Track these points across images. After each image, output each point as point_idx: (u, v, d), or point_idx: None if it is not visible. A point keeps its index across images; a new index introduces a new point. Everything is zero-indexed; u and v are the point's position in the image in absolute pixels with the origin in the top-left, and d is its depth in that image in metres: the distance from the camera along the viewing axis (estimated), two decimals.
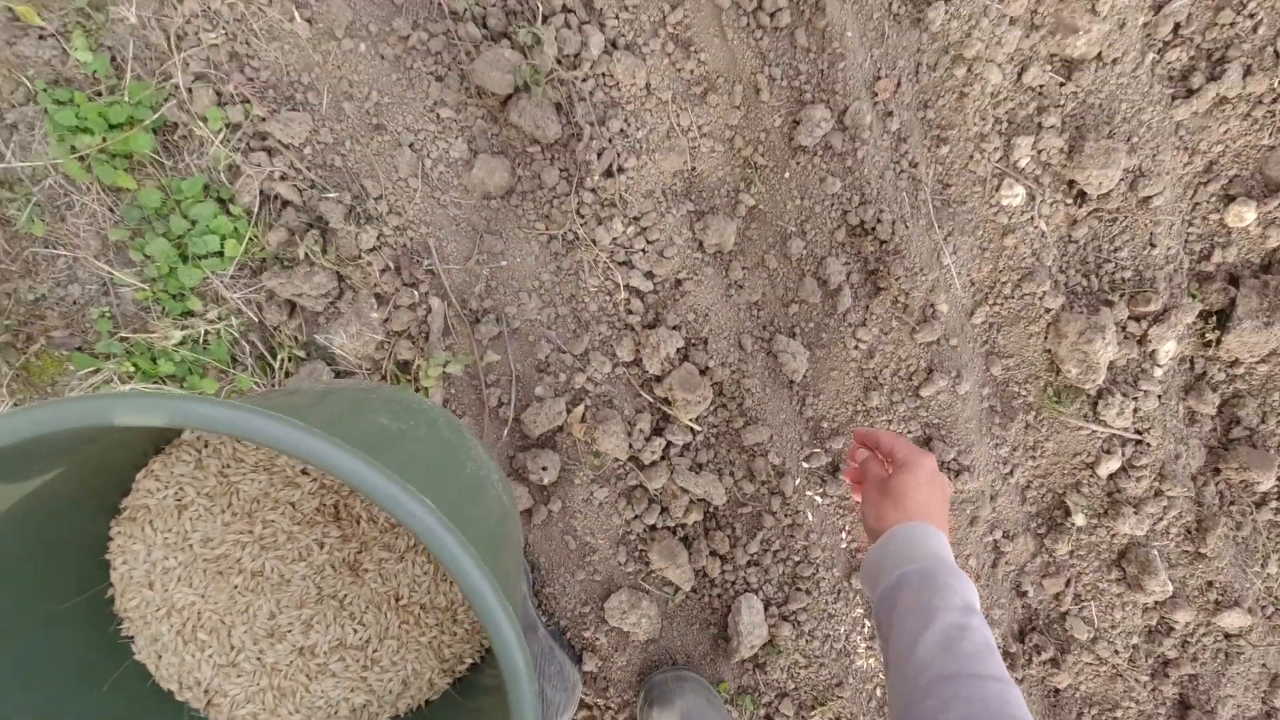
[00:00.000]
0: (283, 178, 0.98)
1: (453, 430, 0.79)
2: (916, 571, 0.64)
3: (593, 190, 0.99)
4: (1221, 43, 0.96)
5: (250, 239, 0.98)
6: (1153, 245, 1.01)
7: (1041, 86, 0.97)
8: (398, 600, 0.76)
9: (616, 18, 0.96)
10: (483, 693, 0.77)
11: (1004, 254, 1.01)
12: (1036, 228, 1.00)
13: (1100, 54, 0.95)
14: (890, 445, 0.78)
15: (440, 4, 0.96)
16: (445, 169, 1.00)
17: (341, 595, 0.75)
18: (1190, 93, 0.97)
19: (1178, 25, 0.96)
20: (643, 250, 1.01)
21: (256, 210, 0.98)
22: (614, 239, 1.01)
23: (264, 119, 0.96)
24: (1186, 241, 1.03)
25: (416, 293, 1.02)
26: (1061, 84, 0.97)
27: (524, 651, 0.52)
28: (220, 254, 0.98)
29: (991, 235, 1.01)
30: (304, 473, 0.75)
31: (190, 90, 0.94)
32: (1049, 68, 0.96)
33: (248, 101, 0.96)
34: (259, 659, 0.75)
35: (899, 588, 0.64)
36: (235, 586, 0.74)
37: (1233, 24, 0.94)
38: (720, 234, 1.01)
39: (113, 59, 0.92)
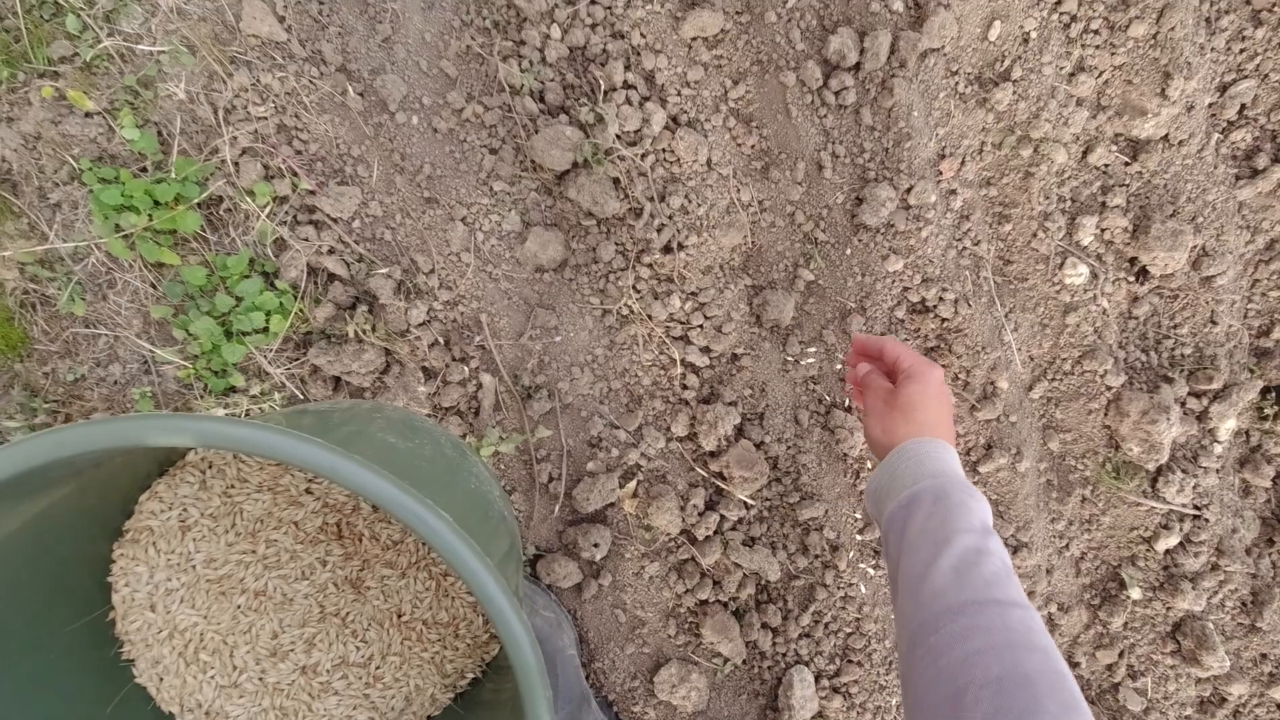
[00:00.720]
0: (330, 252, 0.95)
1: (455, 449, 0.80)
2: (929, 490, 0.59)
3: (650, 266, 0.97)
4: None
5: (296, 313, 0.95)
6: (1214, 322, 1.00)
7: (1107, 166, 0.96)
8: (400, 617, 0.77)
9: (679, 94, 0.94)
10: (483, 707, 0.78)
11: (1065, 331, 1.00)
12: (1099, 305, 0.99)
13: (1167, 135, 0.94)
14: (895, 353, 0.73)
15: (497, 78, 0.93)
16: (497, 242, 0.98)
17: (344, 613, 0.76)
18: (1255, 173, 0.96)
19: (1243, 106, 0.95)
20: (700, 326, 0.99)
21: (303, 285, 0.95)
22: (670, 314, 0.99)
23: (312, 192, 0.93)
24: (1246, 317, 1.02)
25: (467, 368, 0.99)
26: (1127, 164, 0.96)
27: (536, 652, 0.54)
28: (265, 330, 0.95)
29: (1053, 312, 1.00)
30: (308, 492, 0.76)
31: (237, 165, 0.91)
32: (1115, 148, 0.95)
33: (296, 175, 0.93)
34: (261, 679, 0.75)
35: (911, 507, 0.59)
36: (238, 606, 0.74)
37: None
38: (779, 310, 0.99)
39: (159, 135, 0.89)
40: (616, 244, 0.97)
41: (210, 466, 0.75)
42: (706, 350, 1.01)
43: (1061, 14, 0.91)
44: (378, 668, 0.77)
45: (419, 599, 0.78)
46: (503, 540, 0.73)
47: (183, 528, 0.74)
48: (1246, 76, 0.94)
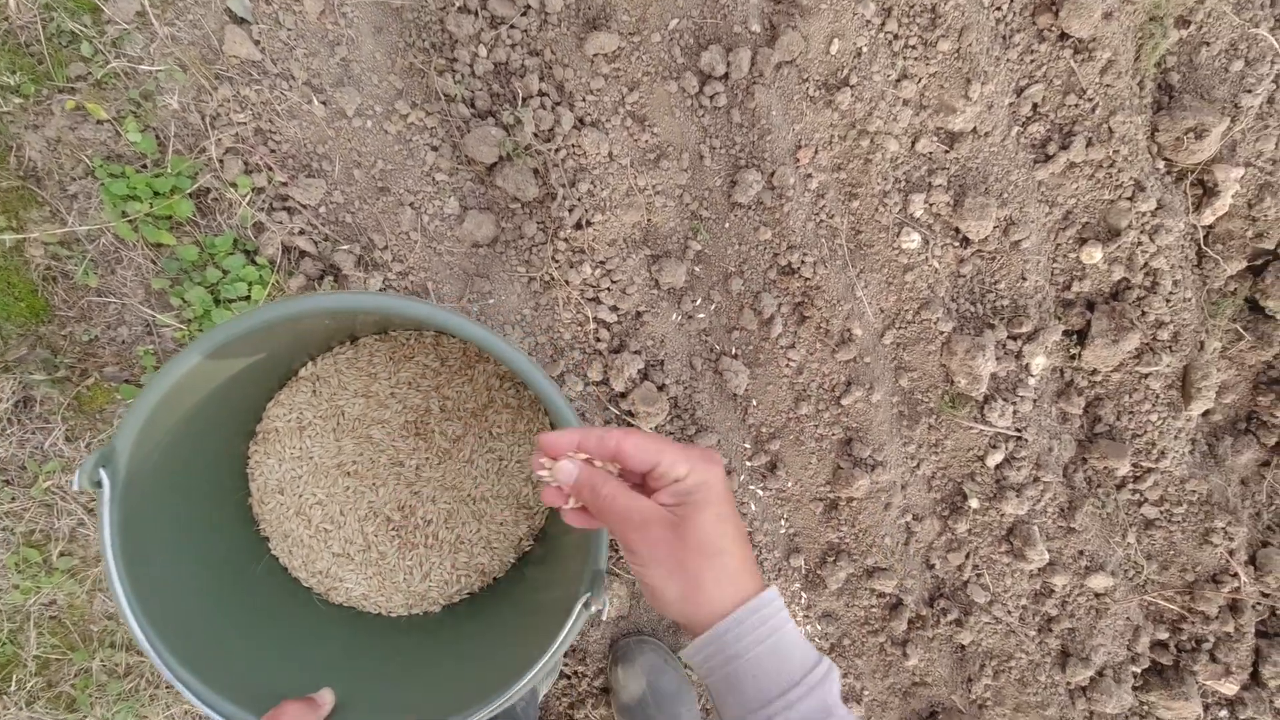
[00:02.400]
0: (301, 233, 1.16)
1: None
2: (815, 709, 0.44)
3: (565, 240, 1.19)
4: (1070, 119, 1.19)
5: (273, 284, 1.15)
6: (1024, 279, 1.24)
7: (930, 153, 1.20)
8: (469, 494, 0.97)
9: (584, 99, 1.16)
10: (532, 564, 0.99)
11: (905, 287, 1.24)
12: (931, 266, 1.22)
13: (975, 128, 1.18)
14: (644, 456, 0.49)
15: (436, 89, 1.15)
16: (440, 223, 1.19)
17: (426, 490, 0.95)
18: (1048, 158, 1.21)
19: (1035, 105, 1.20)
20: (608, 289, 1.21)
21: (278, 260, 1.15)
22: (584, 280, 1.21)
23: (285, 184, 1.14)
24: (1051, 275, 1.27)
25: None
26: (946, 151, 1.20)
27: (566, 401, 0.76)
28: (248, 298, 1.15)
29: (895, 272, 1.23)
30: (392, 395, 0.96)
31: (222, 162, 1.11)
32: (935, 138, 1.19)
33: (271, 170, 1.13)
34: (366, 545, 0.95)
35: None
36: (348, 488, 0.94)
37: (1076, 105, 1.18)
38: (673, 274, 1.21)
39: (158, 138, 1.09)
40: (538, 223, 1.19)
41: (318, 379, 0.96)
42: (615, 309, 1.23)
43: (886, 33, 1.15)
44: (457, 534, 0.96)
45: (483, 477, 0.97)
46: None
47: (299, 427, 0.94)
48: (1036, 81, 1.18)
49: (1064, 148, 1.19)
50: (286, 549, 0.95)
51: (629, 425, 1.26)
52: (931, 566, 1.35)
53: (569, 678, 1.34)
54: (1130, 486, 1.33)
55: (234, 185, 1.12)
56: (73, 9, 1.03)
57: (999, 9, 1.16)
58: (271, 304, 0.69)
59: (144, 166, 1.10)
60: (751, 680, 0.46)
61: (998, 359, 1.24)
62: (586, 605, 0.69)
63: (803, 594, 1.34)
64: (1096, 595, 1.36)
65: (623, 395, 1.24)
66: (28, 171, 1.06)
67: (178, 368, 0.68)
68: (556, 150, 1.16)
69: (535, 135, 1.15)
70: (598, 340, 1.23)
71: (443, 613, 0.98)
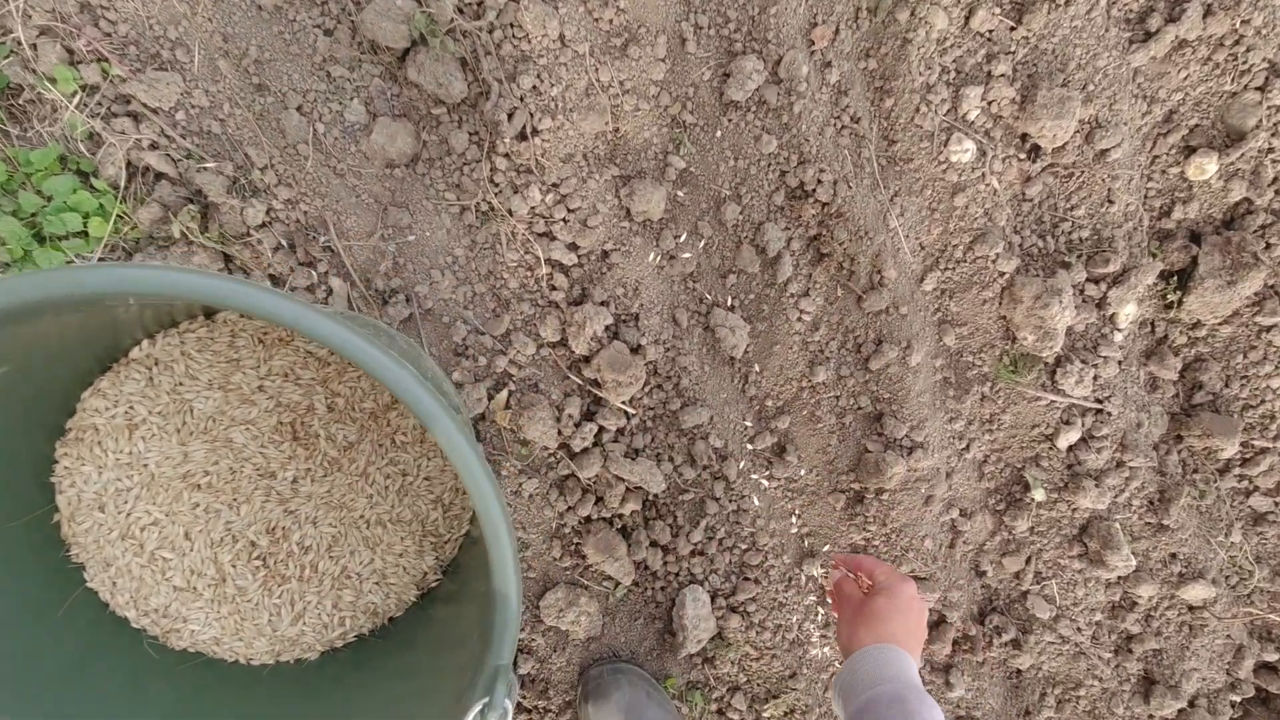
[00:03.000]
0: (153, 146, 0.87)
1: (408, 343, 0.84)
2: (887, 693, 0.65)
3: (506, 155, 0.90)
4: None
5: (119, 216, 0.87)
6: (1110, 202, 0.94)
7: (991, 32, 0.90)
8: (361, 516, 0.78)
9: None
10: (443, 601, 0.81)
11: (954, 215, 0.94)
12: (988, 186, 0.93)
13: None
14: (871, 569, 0.80)
15: None
16: (340, 134, 0.90)
17: (303, 509, 0.76)
18: (1148, 36, 0.90)
19: None
20: (564, 220, 0.92)
21: (124, 184, 0.87)
22: (532, 209, 0.92)
23: (125, 80, 0.85)
24: (1146, 197, 0.97)
25: (315, 272, 0.92)
26: (1012, 28, 0.89)
27: (499, 496, 0.55)
28: (85, 234, 0.87)
29: (941, 195, 0.94)
30: (260, 389, 0.76)
31: (35, 47, 0.82)
32: (998, 10, 0.89)
33: (105, 60, 0.84)
34: (219, 578, 0.75)
35: (870, 709, 0.65)
36: (196, 504, 0.74)
37: None
38: (648, 200, 0.92)
39: None
40: (470, 133, 0.90)
41: (157, 363, 0.74)
42: (573, 247, 0.94)
43: None
44: (343, 566, 0.78)
45: (381, 495, 0.78)
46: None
47: (129, 426, 0.73)
48: None
49: (1171, 20, 0.89)
50: (109, 580, 0.74)
51: (596, 399, 0.97)
52: (982, 574, 1.07)
53: (527, 712, 1.07)
54: (1237, 472, 1.04)
55: (52, 80, 0.83)
56: None
57: None
58: (54, 272, 0.46)
59: None
60: (864, 676, 0.68)
61: (1075, 308, 0.94)
62: (483, 714, 0.54)
63: (819, 609, 1.07)
64: (1191, 609, 1.08)
65: (586, 360, 0.96)
66: None
67: None
68: (488, 31, 0.86)
69: (458, 9, 0.85)
70: (552, 288, 0.95)
71: (320, 660, 0.79)
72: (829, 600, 0.89)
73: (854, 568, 0.83)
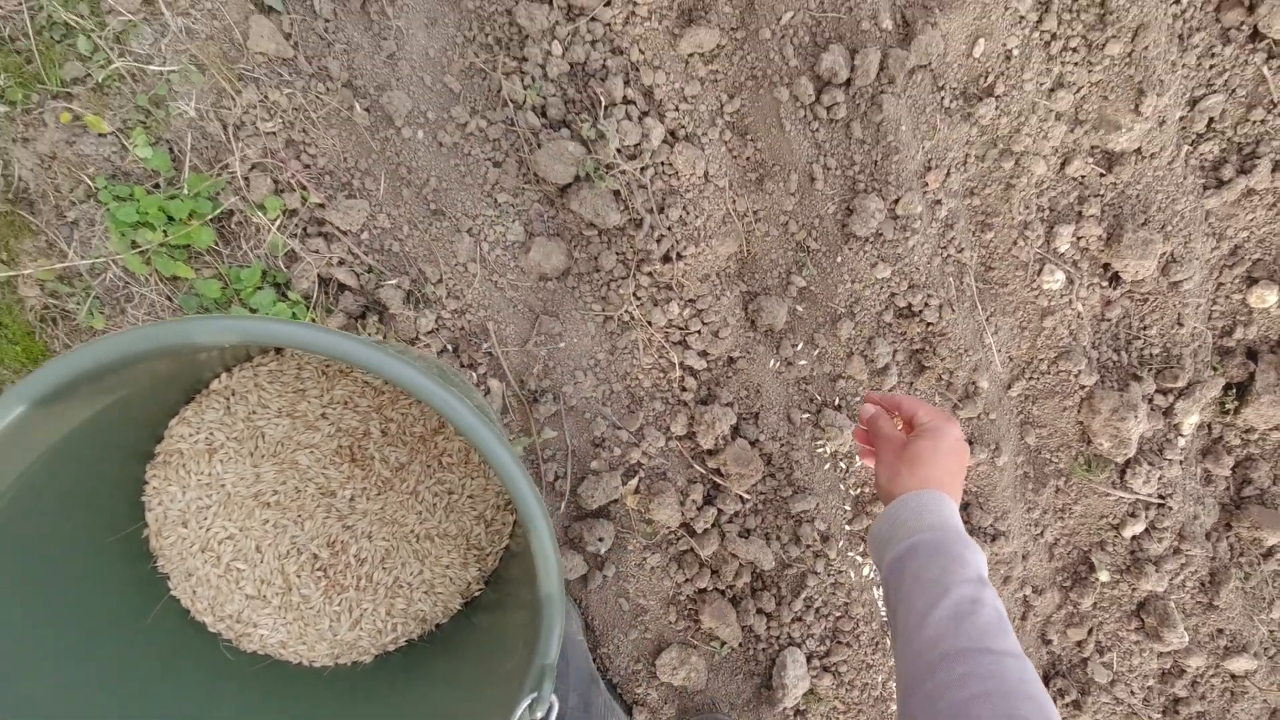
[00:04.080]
0: (340, 263, 0.98)
1: (456, 375, 0.91)
2: (928, 541, 0.61)
3: (650, 275, 1.01)
4: (1252, 138, 1.00)
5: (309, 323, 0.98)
6: (1180, 324, 1.06)
7: (1083, 177, 1.01)
8: (411, 531, 0.84)
9: (676, 109, 0.97)
10: (482, 610, 0.87)
11: (1042, 333, 1.06)
12: (1074, 309, 1.05)
13: (1140, 148, 0.99)
14: (912, 408, 0.74)
15: (500, 93, 0.96)
16: (502, 252, 1.01)
17: (360, 528, 0.83)
18: (1221, 183, 1.02)
19: (1211, 120, 1.00)
20: (698, 331, 1.04)
21: (315, 295, 0.98)
22: (669, 320, 1.03)
23: (321, 206, 0.96)
24: (1210, 317, 1.09)
25: (475, 374, 1.03)
26: (1102, 175, 1.01)
27: (540, 503, 0.60)
28: None
29: (1031, 316, 1.06)
30: (323, 416, 0.83)
31: (248, 180, 0.94)
32: (1091, 160, 1.00)
33: (304, 189, 0.95)
34: (286, 587, 0.82)
35: (909, 557, 0.61)
36: (266, 520, 0.81)
37: (1263, 121, 0.99)
38: (773, 315, 1.03)
39: (171, 152, 0.91)
40: (617, 253, 1.01)
41: (233, 394, 0.81)
42: (704, 354, 1.05)
43: (1042, 32, 0.96)
44: (395, 576, 0.84)
45: (429, 512, 0.85)
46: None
47: (209, 450, 0.80)
48: (1215, 91, 0.99)
49: (1243, 172, 1.01)
50: (190, 589, 0.82)
51: (716, 485, 1.09)
52: (1048, 642, 1.19)
53: None
54: (1279, 557, 1.16)
55: (262, 208, 0.94)
56: None
57: (1178, 3, 0.96)
58: (170, 324, 0.55)
59: (156, 186, 0.92)
60: (903, 525, 0.64)
61: (1146, 417, 1.06)
62: (531, 708, 0.60)
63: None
64: (1234, 677, 1.20)
65: (711, 452, 1.08)
66: (18, 194, 0.89)
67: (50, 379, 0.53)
68: (643, 169, 0.97)
69: (618, 151, 0.96)
70: (683, 389, 1.06)
71: (374, 664, 0.86)
72: (856, 442, 0.84)
73: (891, 406, 0.78)
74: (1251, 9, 0.94)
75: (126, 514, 0.78)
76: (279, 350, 0.83)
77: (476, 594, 0.89)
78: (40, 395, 0.53)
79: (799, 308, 1.06)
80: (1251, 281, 1.06)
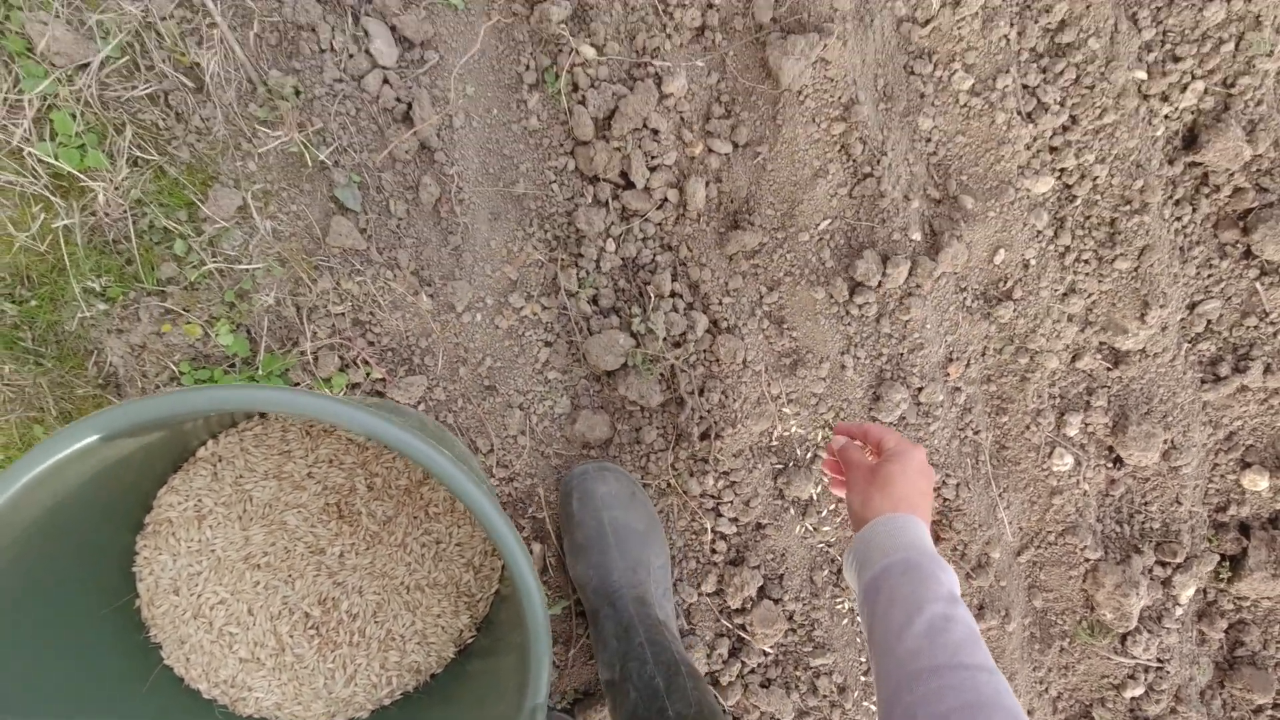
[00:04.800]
0: None
1: (437, 428, 0.93)
2: (901, 562, 0.63)
3: (688, 449, 1.08)
4: (1247, 341, 1.09)
5: None
6: (1179, 503, 1.14)
7: (1092, 371, 1.09)
8: (401, 583, 0.85)
9: (720, 302, 1.04)
10: (480, 656, 0.86)
11: (1051, 509, 1.13)
12: (1081, 489, 1.12)
13: (1144, 349, 1.07)
14: (879, 435, 0.78)
15: (556, 282, 1.03)
16: (549, 423, 1.08)
17: (350, 580, 0.84)
18: (1218, 379, 1.10)
19: (1209, 322, 1.09)
20: (730, 501, 1.10)
21: None
22: (704, 490, 1.10)
23: (383, 380, 1.02)
24: (1206, 495, 1.16)
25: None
26: (1109, 369, 1.09)
27: (527, 558, 0.62)
28: None
29: (1041, 492, 1.13)
30: (309, 476, 0.84)
31: (316, 357, 1.00)
32: (1099, 355, 1.08)
33: (369, 364, 1.02)
34: (279, 648, 0.82)
35: (884, 578, 0.63)
36: (257, 582, 0.81)
37: (1256, 327, 1.08)
38: (801, 488, 1.10)
39: (249, 335, 0.97)
40: (658, 428, 1.08)
41: (220, 460, 0.83)
42: (734, 520, 1.12)
43: (1058, 246, 1.04)
44: (388, 629, 0.84)
45: (418, 563, 0.86)
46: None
47: (198, 517, 0.81)
48: (1213, 298, 1.08)
49: (1238, 370, 1.09)
50: (183, 656, 0.82)
51: (741, 639, 1.15)
52: None
53: None
54: (1269, 714, 1.23)
55: (328, 382, 1.00)
56: (167, 205, 0.91)
57: (1180, 219, 1.05)
58: (190, 392, 0.58)
59: (232, 366, 0.98)
60: (878, 547, 0.66)
61: (1146, 588, 1.14)
62: None
63: None
64: None
65: (738, 611, 1.14)
66: (107, 379, 0.95)
67: (41, 460, 0.55)
68: (688, 359, 1.04)
69: (665, 340, 1.03)
70: (714, 551, 1.12)
71: (371, 718, 0.87)
72: (825, 473, 0.88)
73: (860, 435, 0.82)
74: (1246, 230, 1.03)
75: (120, 586, 0.79)
76: (263, 414, 0.84)
77: (469, 641, 0.89)
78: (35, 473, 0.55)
79: (825, 478, 1.13)
80: (1245, 465, 1.14)
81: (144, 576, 0.80)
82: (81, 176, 0.89)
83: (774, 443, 1.12)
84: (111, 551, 0.78)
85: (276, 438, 0.84)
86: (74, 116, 0.88)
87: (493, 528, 0.62)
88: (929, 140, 1.03)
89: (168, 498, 0.81)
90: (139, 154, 0.91)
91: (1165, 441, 1.11)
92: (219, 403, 0.58)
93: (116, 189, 0.90)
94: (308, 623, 0.83)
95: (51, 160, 0.87)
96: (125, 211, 0.90)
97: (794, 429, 1.11)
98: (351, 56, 0.93)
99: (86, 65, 0.87)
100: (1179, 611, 1.17)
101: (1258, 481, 1.13)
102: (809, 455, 1.12)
